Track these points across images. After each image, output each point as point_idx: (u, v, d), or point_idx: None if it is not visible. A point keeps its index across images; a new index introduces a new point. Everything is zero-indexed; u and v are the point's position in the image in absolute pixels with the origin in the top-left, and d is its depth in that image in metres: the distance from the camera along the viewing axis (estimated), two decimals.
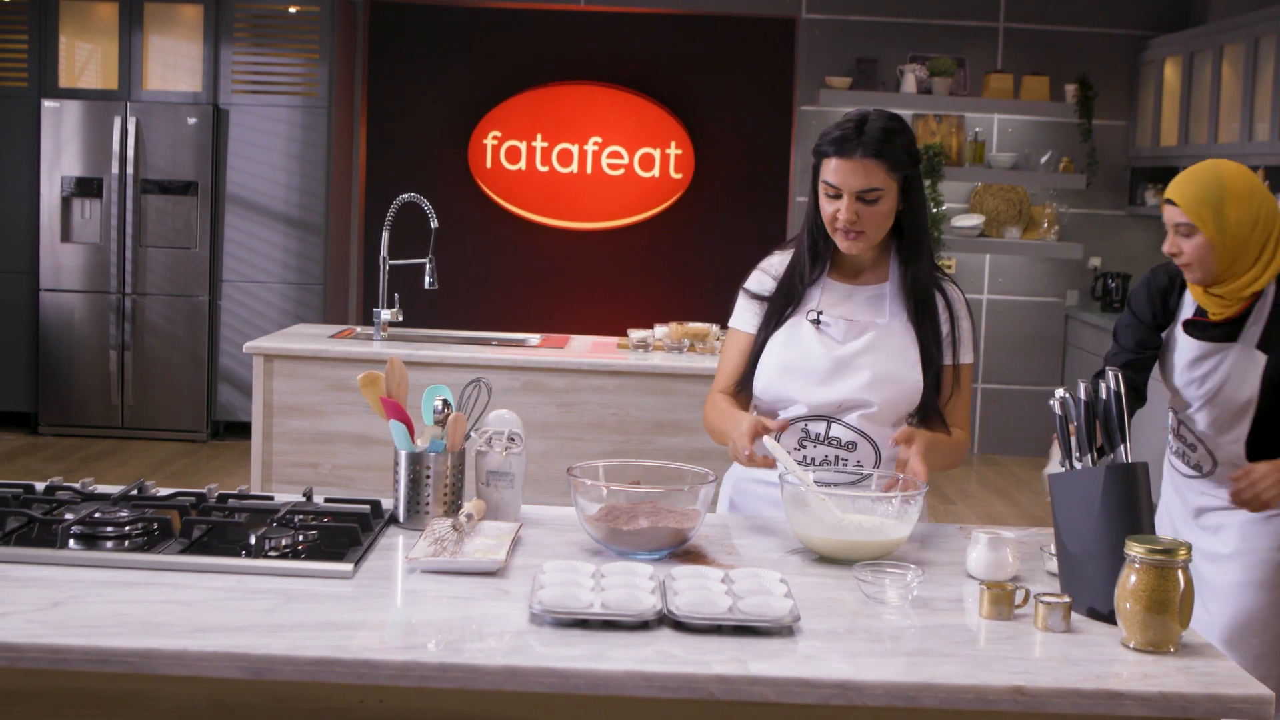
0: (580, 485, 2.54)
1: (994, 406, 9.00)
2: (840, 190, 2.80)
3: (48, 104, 8.15)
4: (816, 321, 2.89)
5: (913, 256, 2.90)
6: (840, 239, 2.85)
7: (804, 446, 2.88)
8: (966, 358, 2.98)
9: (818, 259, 2.93)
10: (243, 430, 8.18)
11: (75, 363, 8.32)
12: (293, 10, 8.32)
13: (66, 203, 8.23)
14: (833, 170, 2.80)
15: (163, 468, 7.67)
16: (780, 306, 2.93)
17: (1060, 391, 2.38)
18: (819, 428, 2.87)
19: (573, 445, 5.51)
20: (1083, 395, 2.34)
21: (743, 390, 2.97)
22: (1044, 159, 8.67)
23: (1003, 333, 8.99)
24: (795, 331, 2.90)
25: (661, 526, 2.48)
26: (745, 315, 3.01)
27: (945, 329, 2.93)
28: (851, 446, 2.86)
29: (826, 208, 2.84)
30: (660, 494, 2.55)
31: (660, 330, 5.86)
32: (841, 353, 2.86)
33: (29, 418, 8.49)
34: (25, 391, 8.41)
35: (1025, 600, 2.25)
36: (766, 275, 3.01)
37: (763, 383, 2.92)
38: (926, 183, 8.48)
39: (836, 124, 2.84)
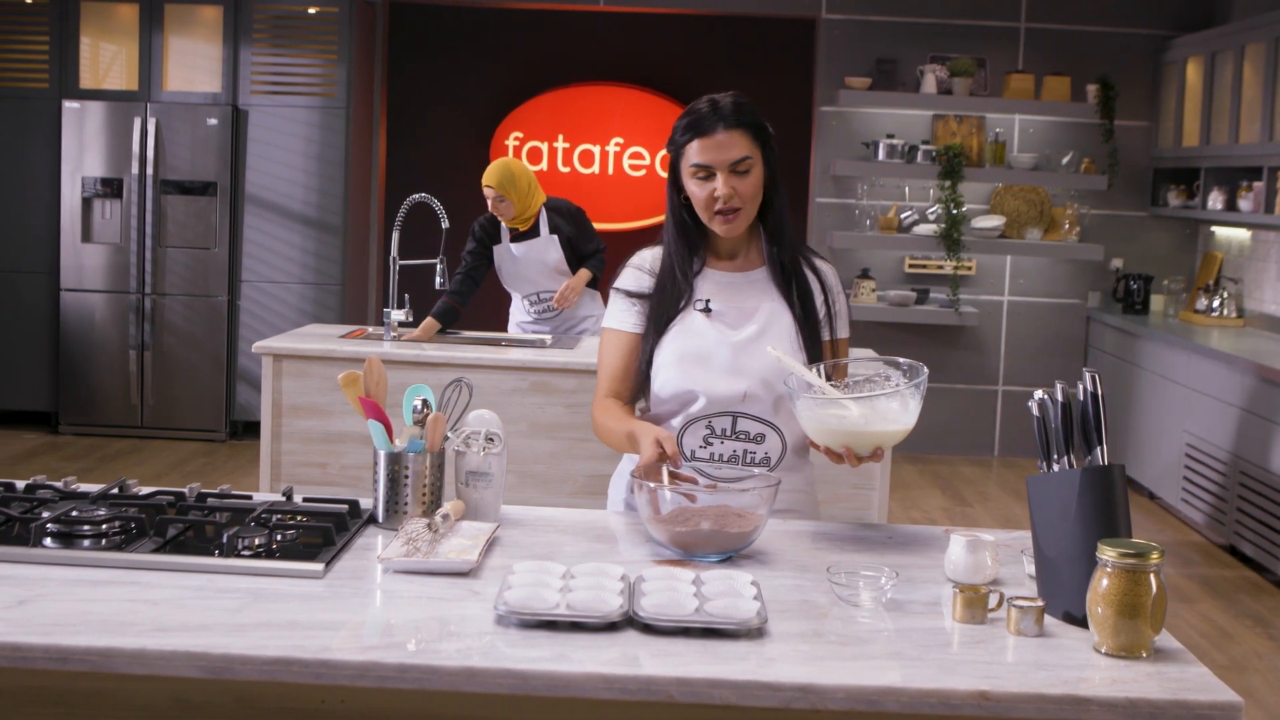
0: (643, 490, 2.53)
1: (1015, 409, 8.94)
2: (712, 168, 2.79)
3: (69, 105, 8.20)
4: (707, 310, 2.87)
5: (778, 232, 2.90)
6: (718, 222, 2.83)
7: (710, 444, 2.85)
8: (843, 332, 2.97)
9: (694, 251, 2.91)
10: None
11: (95, 362, 8.37)
12: (312, 11, 8.34)
13: (87, 203, 8.28)
14: (699, 151, 2.80)
15: (180, 467, 7.70)
16: (667, 304, 2.89)
17: (1039, 393, 2.35)
18: (724, 423, 2.83)
19: (580, 446, 5.49)
20: (1060, 397, 2.31)
21: (628, 391, 2.92)
22: (1065, 160, 8.60)
23: (1023, 335, 8.93)
24: (687, 325, 2.87)
25: (723, 530, 2.47)
26: (625, 315, 2.94)
27: (821, 305, 2.92)
28: (760, 439, 2.83)
29: (700, 192, 2.81)
30: (723, 497, 2.55)
31: None
32: (738, 339, 2.84)
33: (50, 417, 8.55)
34: (46, 391, 8.47)
35: (999, 604, 2.23)
36: (642, 273, 2.95)
37: (661, 381, 2.87)
38: (946, 184, 8.44)
39: (684, 115, 2.86)
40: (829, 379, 2.76)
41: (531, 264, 6.21)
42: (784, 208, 2.91)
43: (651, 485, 2.52)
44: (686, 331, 2.86)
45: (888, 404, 2.63)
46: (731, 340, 2.84)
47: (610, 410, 2.89)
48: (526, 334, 6.26)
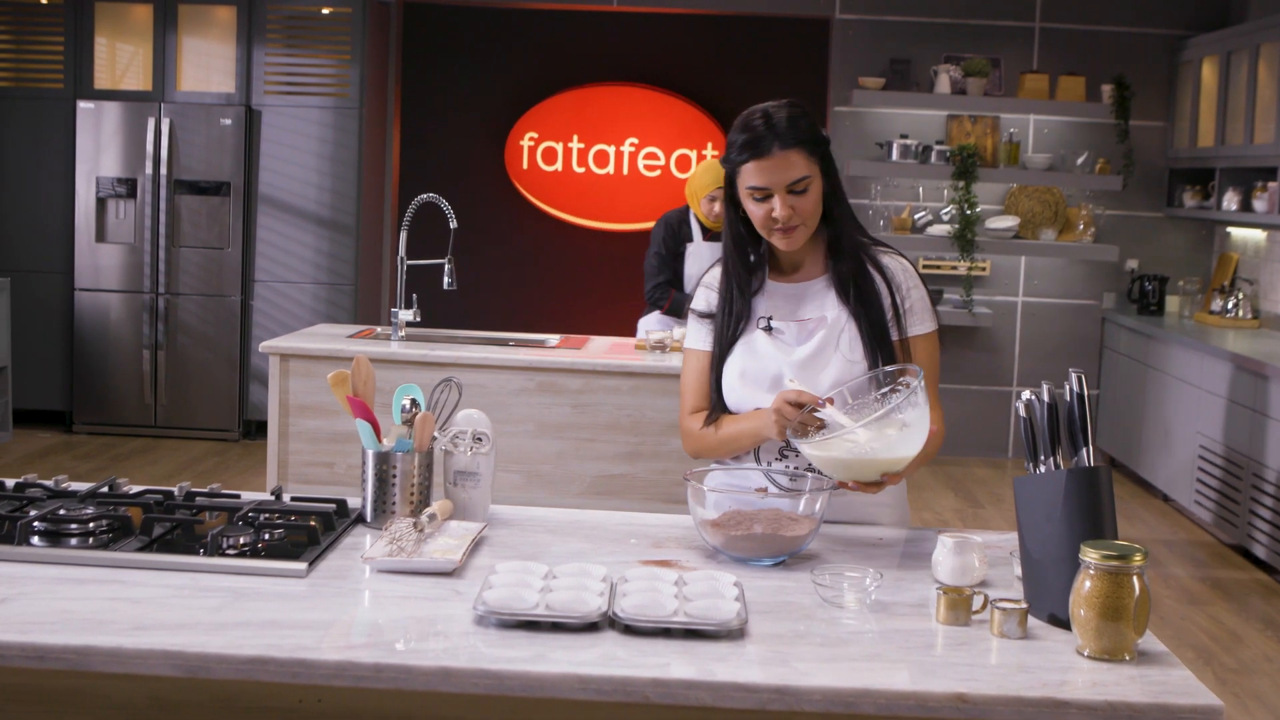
0: (696, 492, 2.54)
1: None
2: (769, 189, 2.73)
3: (83, 105, 8.23)
4: (768, 329, 2.84)
5: (838, 241, 2.84)
6: (778, 238, 2.78)
7: (785, 456, 2.81)
8: (919, 328, 2.87)
9: (752, 269, 2.87)
10: None
11: (109, 362, 8.40)
12: (325, 11, 8.35)
13: (102, 203, 8.31)
14: (754, 173, 2.72)
15: (193, 466, 7.72)
16: (728, 324, 2.86)
17: (1026, 394, 2.33)
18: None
19: (586, 446, 5.49)
20: (1046, 397, 2.29)
21: (711, 408, 2.89)
22: (1080, 160, 8.56)
23: (1038, 336, 8.89)
24: (749, 344, 2.84)
25: (774, 534, 2.46)
26: (699, 334, 2.93)
27: (888, 304, 2.83)
28: None
29: (758, 211, 2.76)
30: (775, 501, 2.56)
31: (679, 331, 5.83)
32: (798, 356, 2.80)
33: (64, 416, 8.58)
34: (60, 390, 8.50)
35: (983, 606, 2.21)
36: (712, 292, 2.92)
37: (731, 402, 2.85)
38: (960, 184, 8.41)
39: (738, 129, 2.77)
40: (891, 383, 2.67)
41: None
42: (844, 215, 2.84)
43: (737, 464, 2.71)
44: (748, 352, 2.84)
45: (876, 430, 2.52)
46: (791, 357, 2.80)
47: (704, 420, 2.89)
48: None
